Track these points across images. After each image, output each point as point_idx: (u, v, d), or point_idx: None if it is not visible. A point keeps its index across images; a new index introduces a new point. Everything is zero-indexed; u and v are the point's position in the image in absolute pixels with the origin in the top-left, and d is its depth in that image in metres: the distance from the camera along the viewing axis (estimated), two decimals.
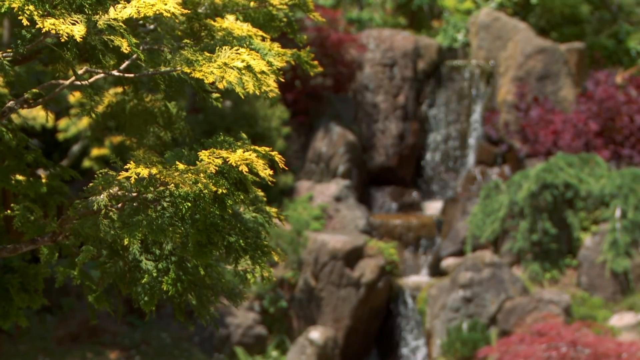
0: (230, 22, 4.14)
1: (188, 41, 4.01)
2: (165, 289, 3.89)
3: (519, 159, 17.25)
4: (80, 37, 3.35)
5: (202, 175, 3.55)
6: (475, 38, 18.57)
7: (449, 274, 15.11)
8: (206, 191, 3.53)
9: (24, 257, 4.52)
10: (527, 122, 17.34)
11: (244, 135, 3.94)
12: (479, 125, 18.05)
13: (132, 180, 3.57)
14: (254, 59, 3.64)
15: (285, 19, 4.68)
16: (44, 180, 4.51)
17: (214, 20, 4.24)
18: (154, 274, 3.91)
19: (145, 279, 3.91)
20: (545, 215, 15.04)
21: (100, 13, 3.50)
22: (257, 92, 3.60)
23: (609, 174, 15.29)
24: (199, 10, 4.25)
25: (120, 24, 3.46)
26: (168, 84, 4.04)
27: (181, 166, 3.62)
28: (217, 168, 3.60)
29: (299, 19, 16.84)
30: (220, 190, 3.57)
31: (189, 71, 3.60)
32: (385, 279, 15.26)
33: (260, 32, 4.19)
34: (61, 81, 4.09)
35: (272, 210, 4.26)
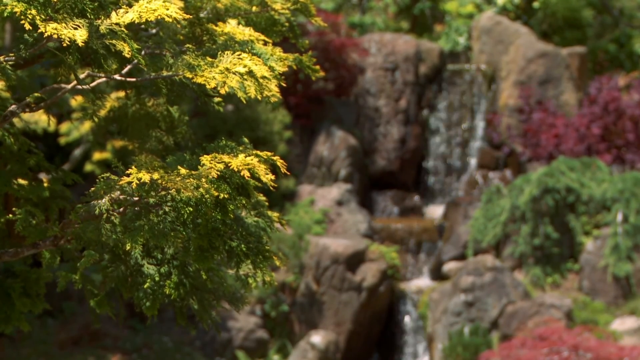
0: (232, 27, 4.14)
1: (190, 46, 4.01)
2: (167, 293, 3.89)
3: (521, 163, 17.24)
4: (82, 42, 3.35)
5: (203, 180, 3.55)
6: (477, 42, 18.57)
7: (450, 278, 15.10)
8: (208, 196, 3.52)
9: (25, 261, 4.52)
10: (528, 126, 17.34)
11: (245, 140, 3.94)
12: (480, 130, 18.05)
13: (134, 185, 3.57)
14: (256, 64, 3.64)
15: (287, 24, 4.68)
16: (45, 184, 4.51)
17: (216, 25, 4.24)
18: (156, 279, 3.91)
19: (147, 284, 3.91)
20: (546, 220, 15.03)
21: (102, 17, 3.50)
22: (259, 97, 3.60)
23: (610, 178, 15.28)
24: (201, 15, 4.25)
25: (122, 28, 3.46)
26: (170, 88, 4.04)
27: (183, 171, 3.62)
28: (219, 173, 3.60)
29: (301, 24, 16.85)
30: (222, 195, 3.57)
31: (190, 76, 3.60)
32: (387, 283, 15.25)
33: (262, 37, 4.19)
34: (63, 85, 4.10)
35: (274, 214, 4.26)
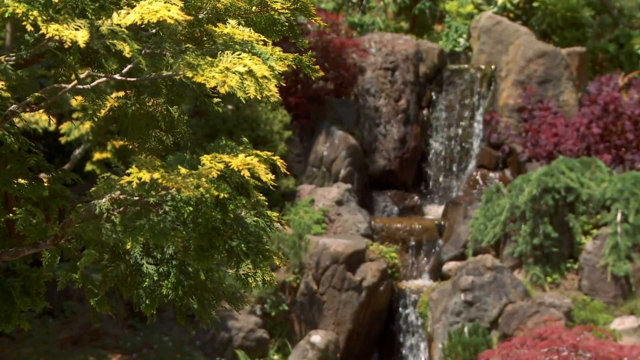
0: (231, 27, 4.15)
1: (190, 46, 4.01)
2: (165, 292, 3.90)
3: (520, 163, 17.25)
4: (84, 43, 3.36)
5: (204, 179, 3.55)
6: (476, 42, 18.58)
7: (450, 278, 15.11)
8: (208, 195, 3.53)
9: (25, 261, 4.53)
10: (528, 125, 17.34)
11: (245, 139, 3.94)
12: (480, 129, 18.05)
13: (134, 184, 3.58)
14: (256, 64, 3.64)
15: (287, 23, 4.68)
16: (45, 184, 4.52)
17: (216, 25, 4.25)
18: (155, 278, 3.92)
19: (146, 283, 3.91)
20: (546, 219, 15.04)
21: (104, 18, 3.51)
22: (259, 97, 3.61)
23: (610, 177, 15.29)
24: (200, 16, 4.26)
25: (123, 29, 3.46)
26: (170, 88, 4.05)
27: (183, 170, 3.63)
28: (219, 172, 3.61)
29: (301, 23, 16.87)
30: (222, 195, 3.58)
31: (190, 75, 3.61)
32: (387, 283, 15.26)
33: (262, 37, 4.20)
34: (63, 85, 4.10)
35: (274, 214, 4.27)
